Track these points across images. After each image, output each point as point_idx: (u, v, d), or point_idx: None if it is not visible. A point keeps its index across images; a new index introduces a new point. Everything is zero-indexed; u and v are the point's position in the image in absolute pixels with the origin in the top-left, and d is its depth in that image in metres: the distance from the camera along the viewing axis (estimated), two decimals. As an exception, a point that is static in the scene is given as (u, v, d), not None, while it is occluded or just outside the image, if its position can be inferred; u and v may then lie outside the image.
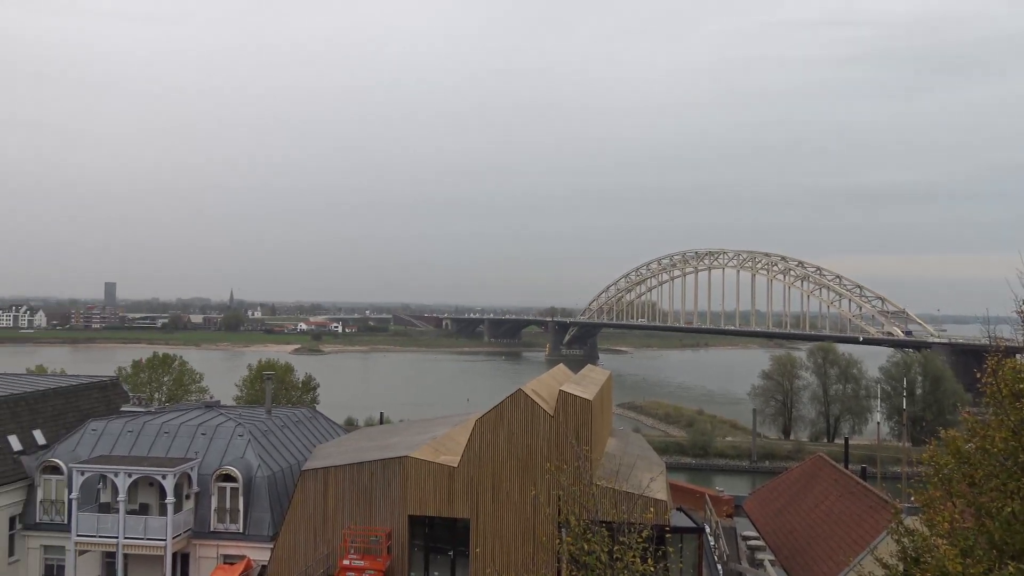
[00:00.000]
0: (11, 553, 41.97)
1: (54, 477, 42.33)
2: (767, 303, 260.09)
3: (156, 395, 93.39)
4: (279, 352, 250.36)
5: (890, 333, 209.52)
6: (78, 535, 39.17)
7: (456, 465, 32.97)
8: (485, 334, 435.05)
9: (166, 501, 38.75)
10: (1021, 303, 19.53)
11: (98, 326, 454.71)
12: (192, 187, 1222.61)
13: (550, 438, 31.77)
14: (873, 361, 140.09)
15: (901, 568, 19.41)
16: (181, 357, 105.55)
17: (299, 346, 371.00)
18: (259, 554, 38.94)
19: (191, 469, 40.60)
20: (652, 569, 20.94)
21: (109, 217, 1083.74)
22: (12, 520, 42.16)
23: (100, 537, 39.10)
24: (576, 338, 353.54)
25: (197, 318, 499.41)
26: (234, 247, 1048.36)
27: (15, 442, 43.79)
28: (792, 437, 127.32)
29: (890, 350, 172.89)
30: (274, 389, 67.84)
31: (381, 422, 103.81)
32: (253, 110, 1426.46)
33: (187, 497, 40.79)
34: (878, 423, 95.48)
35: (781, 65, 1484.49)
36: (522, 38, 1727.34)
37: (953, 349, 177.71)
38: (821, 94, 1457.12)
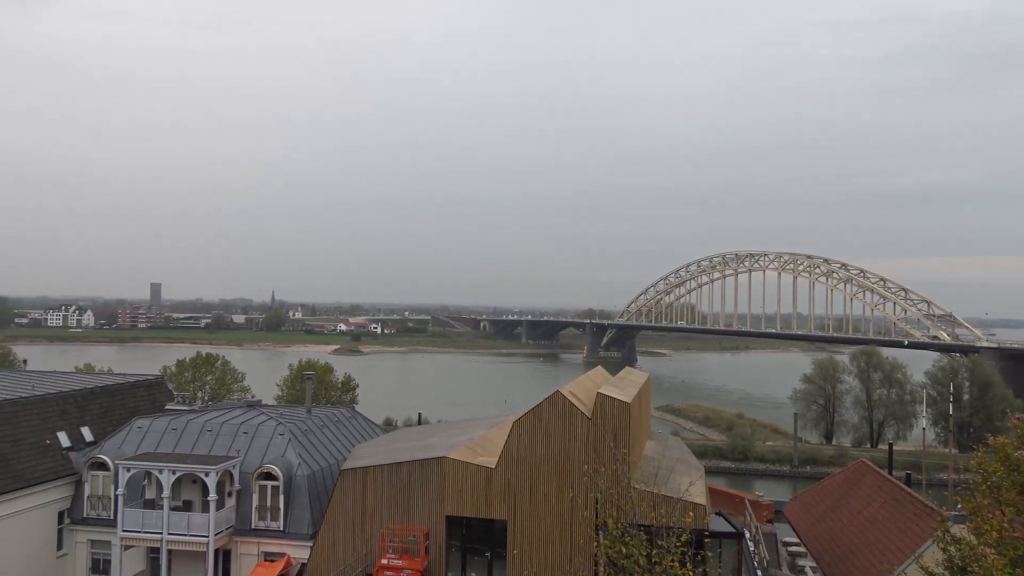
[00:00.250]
0: (59, 547, 42.99)
1: (101, 473, 43.25)
2: (809, 306, 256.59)
3: (199, 394, 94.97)
4: (319, 352, 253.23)
5: (936, 337, 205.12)
6: (124, 530, 39.94)
7: (494, 466, 33.00)
8: (523, 335, 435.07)
9: (209, 498, 39.33)
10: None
11: (144, 326, 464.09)
12: (235, 189, 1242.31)
13: (588, 440, 31.65)
14: (918, 365, 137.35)
15: (947, 577, 19.01)
16: (224, 357, 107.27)
17: (339, 346, 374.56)
18: (299, 552, 39.36)
19: (233, 467, 41.18)
20: (691, 574, 20.73)
21: (155, 219, 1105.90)
22: (61, 515, 43.19)
23: (145, 533, 39.84)
24: (614, 340, 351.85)
25: (239, 318, 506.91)
26: (276, 248, 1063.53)
27: (64, 438, 44.88)
28: (834, 442, 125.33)
29: (936, 354, 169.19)
30: (314, 389, 68.52)
31: (419, 422, 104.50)
32: (293, 111, 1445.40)
33: (229, 495, 41.37)
34: (923, 429, 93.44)
35: (820, 64, 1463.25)
36: (555, 38, 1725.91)
37: (1002, 354, 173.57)
38: (862, 93, 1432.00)
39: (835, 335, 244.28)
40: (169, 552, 39.79)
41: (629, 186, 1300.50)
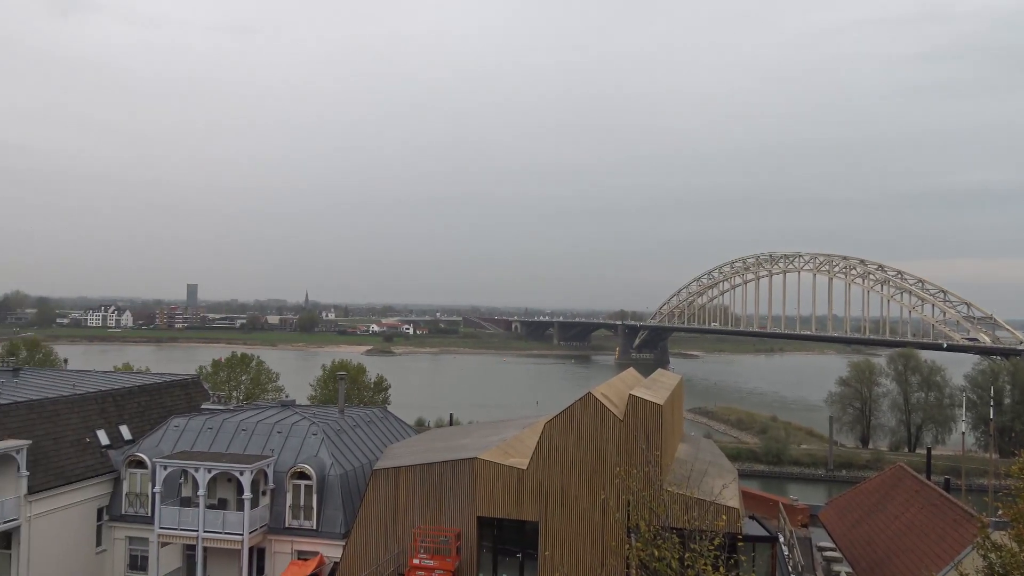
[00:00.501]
0: (99, 543, 43.80)
1: (139, 471, 43.99)
2: (844, 308, 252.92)
3: (234, 393, 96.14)
4: (352, 353, 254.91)
5: (976, 339, 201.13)
6: (160, 528, 40.56)
7: (525, 467, 33.01)
8: (554, 337, 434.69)
9: (243, 497, 39.80)
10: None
11: (180, 326, 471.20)
12: (269, 191, 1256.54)
13: (619, 442, 31.52)
14: (958, 368, 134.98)
15: (988, 585, 18.65)
16: (258, 357, 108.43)
17: (371, 347, 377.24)
18: (332, 551, 39.67)
19: (267, 466, 41.63)
20: (724, 578, 20.54)
21: (192, 221, 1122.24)
22: (100, 511, 44.01)
23: (181, 530, 40.42)
24: (646, 342, 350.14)
25: (274, 319, 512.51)
26: (310, 250, 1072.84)
27: (103, 436, 45.73)
28: (871, 446, 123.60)
29: (976, 357, 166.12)
30: (347, 389, 69.03)
31: (451, 423, 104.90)
32: (327, 113, 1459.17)
33: (263, 493, 41.82)
34: (963, 433, 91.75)
35: (853, 63, 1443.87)
36: (589, 38, 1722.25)
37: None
38: (895, 92, 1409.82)
39: (872, 337, 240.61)
40: (205, 550, 40.33)
41: (661, 186, 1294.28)
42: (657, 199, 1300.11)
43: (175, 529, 40.49)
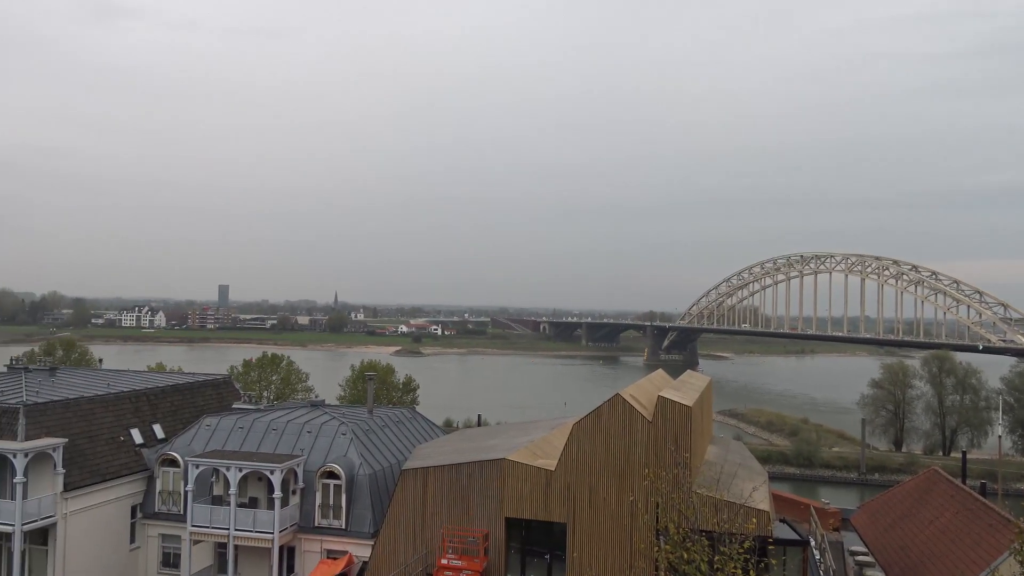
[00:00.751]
0: (132, 540, 44.46)
1: (171, 469, 44.57)
2: (877, 309, 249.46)
3: (265, 393, 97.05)
4: (380, 353, 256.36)
5: (1013, 341, 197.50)
6: (193, 525, 41.07)
7: (553, 469, 32.94)
8: (583, 338, 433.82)
9: (274, 496, 40.16)
10: None
11: (212, 326, 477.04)
12: (299, 193, 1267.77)
13: (648, 444, 31.34)
14: (994, 371, 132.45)
15: (1026, 592, 18.29)
16: (288, 357, 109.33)
17: (400, 348, 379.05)
18: (360, 550, 39.90)
19: (297, 466, 41.97)
20: (754, 581, 20.35)
21: (223, 223, 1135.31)
22: (133, 509, 44.67)
23: (213, 528, 40.89)
24: (675, 343, 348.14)
25: (303, 319, 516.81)
26: (339, 251, 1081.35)
27: (137, 435, 46.42)
28: (904, 449, 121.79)
29: (1013, 359, 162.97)
30: (376, 389, 69.47)
31: (479, 424, 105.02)
32: (354, 114, 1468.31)
33: (293, 492, 42.17)
34: (999, 436, 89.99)
35: (889, 62, 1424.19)
36: (617, 37, 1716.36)
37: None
38: (930, 92, 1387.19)
39: (905, 339, 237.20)
40: (236, 548, 40.76)
41: (689, 187, 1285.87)
42: (685, 199, 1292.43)
43: (207, 527, 40.95)
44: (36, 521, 38.87)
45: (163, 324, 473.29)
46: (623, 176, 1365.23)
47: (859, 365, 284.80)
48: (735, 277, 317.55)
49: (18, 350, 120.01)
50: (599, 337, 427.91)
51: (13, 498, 38.35)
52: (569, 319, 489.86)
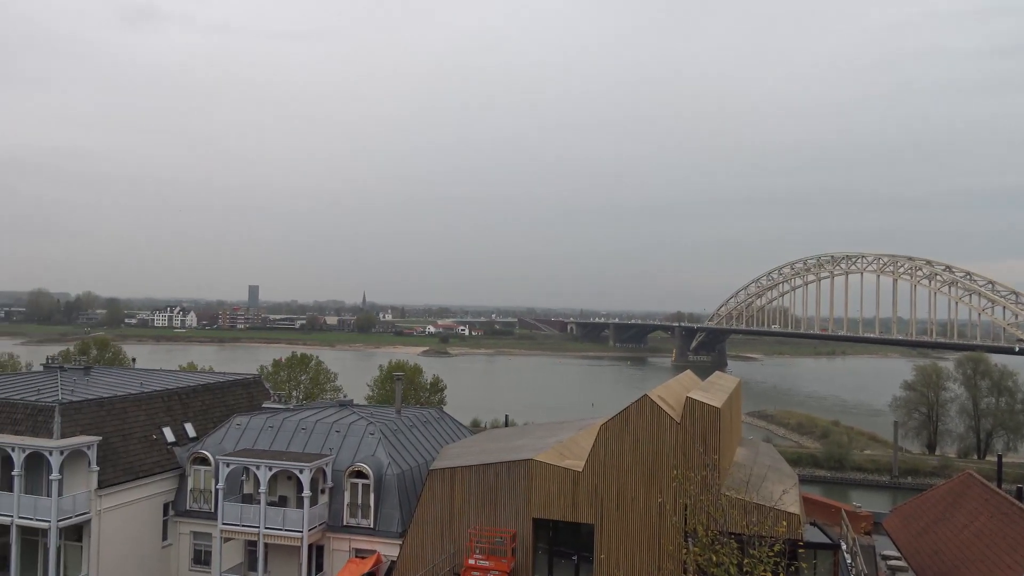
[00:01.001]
0: (164, 537, 45.05)
1: (202, 468, 45.08)
2: (910, 310, 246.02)
3: (294, 393, 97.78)
4: (408, 353, 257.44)
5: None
6: (223, 523, 41.50)
7: (581, 470, 32.87)
8: (610, 339, 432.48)
9: (303, 495, 40.46)
10: None
11: (242, 326, 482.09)
12: (329, 193, 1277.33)
13: (676, 445, 31.16)
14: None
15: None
16: (317, 357, 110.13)
17: (427, 348, 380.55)
18: (389, 549, 40.08)
19: (326, 465, 42.25)
20: (784, 585, 20.16)
21: (253, 224, 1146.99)
22: (165, 507, 45.26)
23: (243, 526, 41.29)
24: (703, 344, 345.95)
25: (332, 320, 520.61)
26: (367, 252, 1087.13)
27: (169, 434, 47.03)
28: (937, 452, 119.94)
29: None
30: (403, 389, 69.76)
31: (506, 424, 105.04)
32: (385, 116, 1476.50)
33: (322, 492, 42.46)
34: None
35: (925, 59, 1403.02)
36: (652, 39, 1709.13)
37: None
38: (969, 89, 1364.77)
39: (939, 340, 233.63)
40: (266, 546, 41.13)
41: (718, 186, 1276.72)
42: (715, 199, 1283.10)
43: (237, 525, 41.36)
44: (71, 518, 39.52)
45: (194, 324, 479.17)
46: (651, 176, 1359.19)
47: (891, 367, 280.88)
48: (764, 278, 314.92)
49: (53, 349, 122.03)
50: (627, 338, 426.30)
51: (49, 495, 39.05)
52: (596, 320, 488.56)
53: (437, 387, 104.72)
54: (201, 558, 44.93)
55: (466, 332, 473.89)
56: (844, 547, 34.17)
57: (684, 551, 27.11)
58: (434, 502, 35.74)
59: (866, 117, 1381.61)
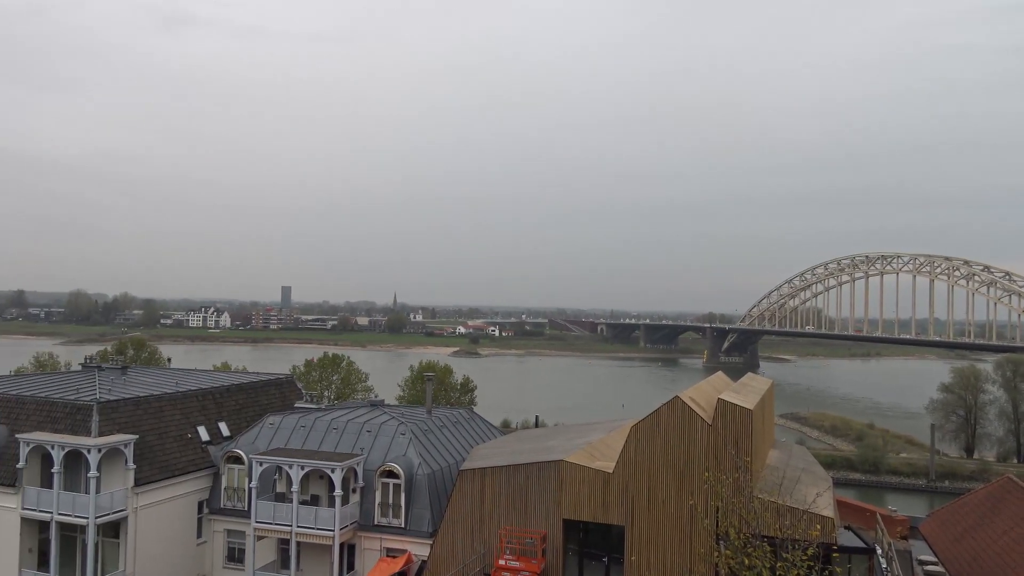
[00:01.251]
0: (199, 535, 45.64)
1: (236, 466, 45.61)
2: (947, 311, 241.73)
3: (326, 393, 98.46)
4: (438, 354, 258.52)
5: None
6: (256, 521, 41.94)
7: (611, 471, 32.76)
8: (641, 340, 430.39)
9: (334, 494, 40.77)
10: None
11: (275, 327, 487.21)
12: (359, 193, 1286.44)
13: (708, 447, 30.93)
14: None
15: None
16: (348, 357, 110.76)
17: (458, 348, 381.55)
18: (419, 549, 40.24)
19: (357, 464, 42.52)
20: (818, 589, 19.93)
21: (286, 225, 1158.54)
22: (200, 504, 45.85)
23: (276, 524, 41.69)
24: (735, 345, 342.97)
25: (363, 320, 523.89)
26: (398, 253, 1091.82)
27: (203, 432, 47.65)
28: (976, 456, 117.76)
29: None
30: (434, 390, 69.98)
31: (536, 425, 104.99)
32: (415, 119, 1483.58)
33: (353, 491, 42.73)
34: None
35: (962, 55, 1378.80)
36: (669, 41, 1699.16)
37: None
38: (999, 85, 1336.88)
39: (977, 342, 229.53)
40: (298, 544, 41.50)
41: (748, 186, 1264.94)
42: (746, 199, 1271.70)
43: (270, 523, 41.76)
44: (108, 514, 40.19)
45: (228, 325, 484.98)
46: (684, 175, 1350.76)
47: (927, 369, 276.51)
48: (797, 278, 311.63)
49: (91, 349, 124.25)
50: (657, 339, 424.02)
51: (87, 492, 39.75)
52: (627, 320, 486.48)
53: (467, 387, 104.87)
54: (235, 555, 45.43)
55: (496, 333, 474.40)
56: (879, 552, 33.67)
57: (716, 554, 26.90)
58: (465, 502, 35.83)
59: (897, 116, 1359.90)
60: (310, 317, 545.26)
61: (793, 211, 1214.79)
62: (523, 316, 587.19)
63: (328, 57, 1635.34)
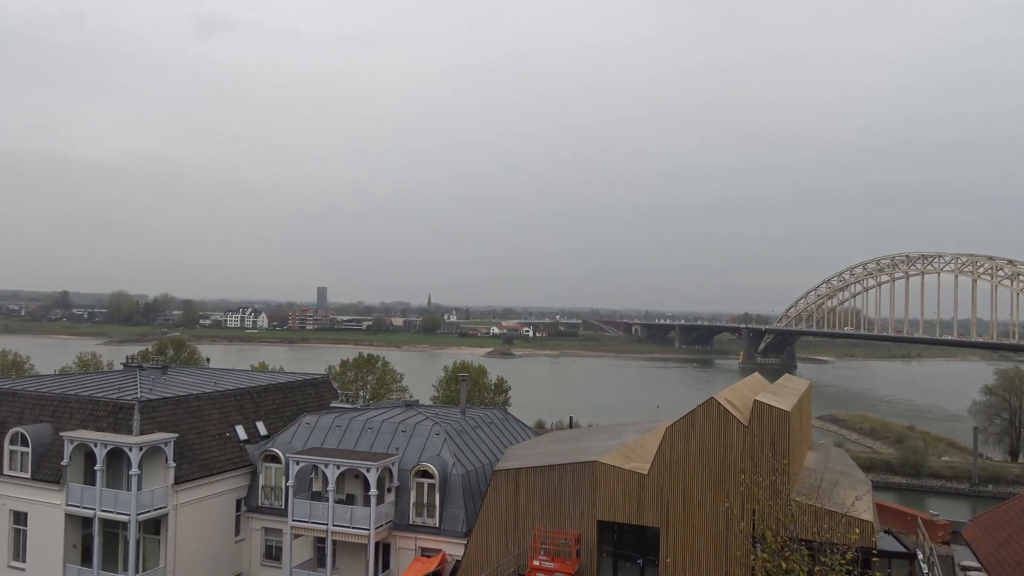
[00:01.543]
0: (237, 532, 46.26)
1: (273, 465, 46.15)
2: (991, 311, 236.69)
3: (361, 393, 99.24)
4: (472, 354, 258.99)
5: None
6: (293, 520, 42.40)
7: (646, 472, 32.59)
8: (675, 340, 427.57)
9: (370, 493, 41.05)
10: None
11: (311, 327, 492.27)
12: (394, 195, 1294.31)
13: (744, 450, 30.63)
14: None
15: None
16: (383, 358, 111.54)
17: (491, 349, 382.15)
18: (454, 549, 40.37)
19: (392, 464, 42.78)
20: (857, 594, 19.64)
21: (321, 227, 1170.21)
22: (238, 503, 46.47)
23: (312, 523, 42.09)
24: (772, 346, 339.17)
25: (398, 321, 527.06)
26: (432, 254, 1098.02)
27: (241, 432, 48.28)
28: (1021, 459, 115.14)
29: None
30: (468, 390, 70.15)
31: (571, 426, 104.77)
32: (449, 124, 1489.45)
33: (388, 490, 42.99)
34: None
35: (1007, 49, 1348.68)
36: (709, 39, 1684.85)
37: None
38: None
39: (1021, 343, 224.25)
40: (334, 542, 41.86)
41: (783, 185, 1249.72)
42: (781, 199, 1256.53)
43: (306, 522, 42.16)
44: (149, 512, 40.89)
45: (265, 325, 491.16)
46: (712, 180, 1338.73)
47: (970, 370, 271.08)
48: (836, 278, 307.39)
49: (133, 349, 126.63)
50: (692, 339, 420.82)
51: (129, 489, 40.50)
52: (661, 321, 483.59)
53: (501, 388, 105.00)
54: (272, 553, 45.97)
55: (530, 333, 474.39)
56: (920, 556, 33.10)
57: (752, 557, 26.63)
58: (499, 503, 35.88)
59: (938, 112, 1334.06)
60: (345, 318, 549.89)
61: (831, 210, 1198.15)
62: (557, 317, 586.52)
63: (354, 59, 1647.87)
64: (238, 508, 46.43)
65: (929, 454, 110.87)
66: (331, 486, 41.47)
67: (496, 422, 51.57)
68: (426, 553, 41.57)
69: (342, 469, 41.83)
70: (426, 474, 42.48)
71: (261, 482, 46.41)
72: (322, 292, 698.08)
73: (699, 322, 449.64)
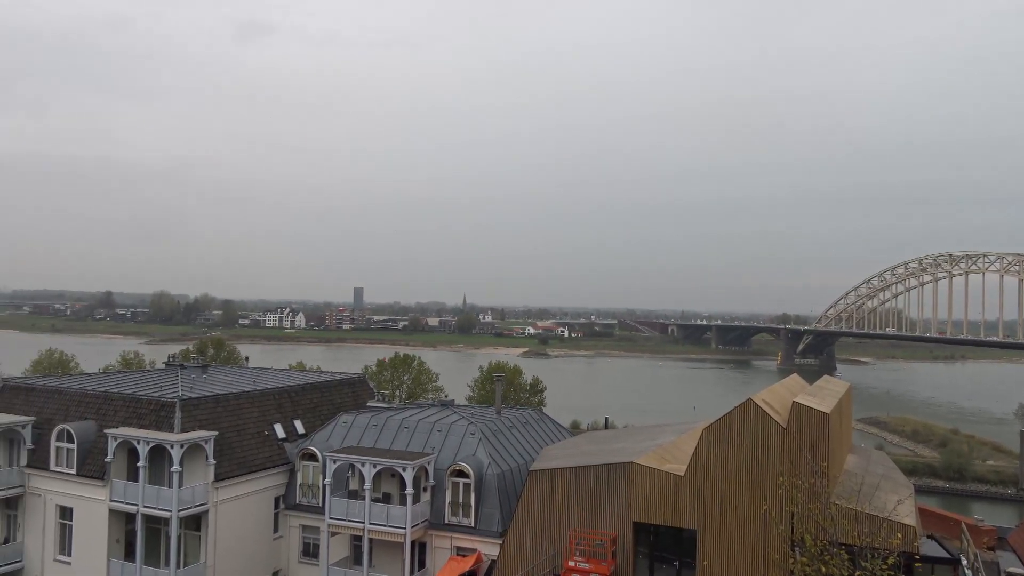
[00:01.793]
0: (275, 530, 46.83)
1: (311, 464, 46.63)
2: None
3: (397, 392, 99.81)
4: (508, 354, 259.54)
5: None
6: (330, 518, 42.79)
7: (683, 474, 32.36)
8: (712, 341, 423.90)
9: (406, 492, 41.28)
10: None
11: (348, 327, 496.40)
12: (429, 197, 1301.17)
13: (782, 452, 30.26)
14: None
15: None
16: (419, 357, 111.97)
17: (527, 349, 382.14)
18: (489, 548, 40.43)
19: (428, 463, 42.98)
20: (899, 600, 19.31)
21: (359, 229, 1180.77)
22: (276, 500, 47.04)
23: (349, 521, 42.44)
24: (811, 347, 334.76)
25: (434, 321, 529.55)
26: (467, 255, 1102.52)
27: (279, 430, 48.86)
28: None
29: None
30: (503, 390, 70.19)
31: (606, 426, 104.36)
32: (480, 126, 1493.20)
33: (424, 490, 43.19)
34: None
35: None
36: (750, 32, 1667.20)
37: None
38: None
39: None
40: (370, 540, 42.17)
41: (824, 184, 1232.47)
42: (819, 198, 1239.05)
43: (343, 520, 42.52)
44: (190, 508, 41.57)
45: (303, 325, 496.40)
46: (750, 178, 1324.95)
47: (1016, 372, 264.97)
48: (876, 278, 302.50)
49: (174, 348, 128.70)
50: (729, 340, 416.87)
51: (171, 486, 41.23)
52: (698, 321, 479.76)
53: (537, 388, 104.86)
54: (310, 551, 46.44)
55: (565, 334, 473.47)
56: (965, 562, 32.42)
57: (791, 561, 26.33)
58: (534, 503, 35.88)
59: (979, 108, 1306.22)
60: (382, 318, 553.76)
61: (868, 210, 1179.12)
62: (592, 317, 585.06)
63: (391, 62, 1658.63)
64: (276, 506, 46.97)
65: (974, 458, 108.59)
66: (368, 485, 41.77)
67: (531, 422, 51.56)
68: (462, 552, 41.68)
69: (378, 468, 42.12)
70: (461, 473, 42.59)
71: (299, 480, 46.90)
72: (358, 292, 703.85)
73: (736, 322, 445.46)
